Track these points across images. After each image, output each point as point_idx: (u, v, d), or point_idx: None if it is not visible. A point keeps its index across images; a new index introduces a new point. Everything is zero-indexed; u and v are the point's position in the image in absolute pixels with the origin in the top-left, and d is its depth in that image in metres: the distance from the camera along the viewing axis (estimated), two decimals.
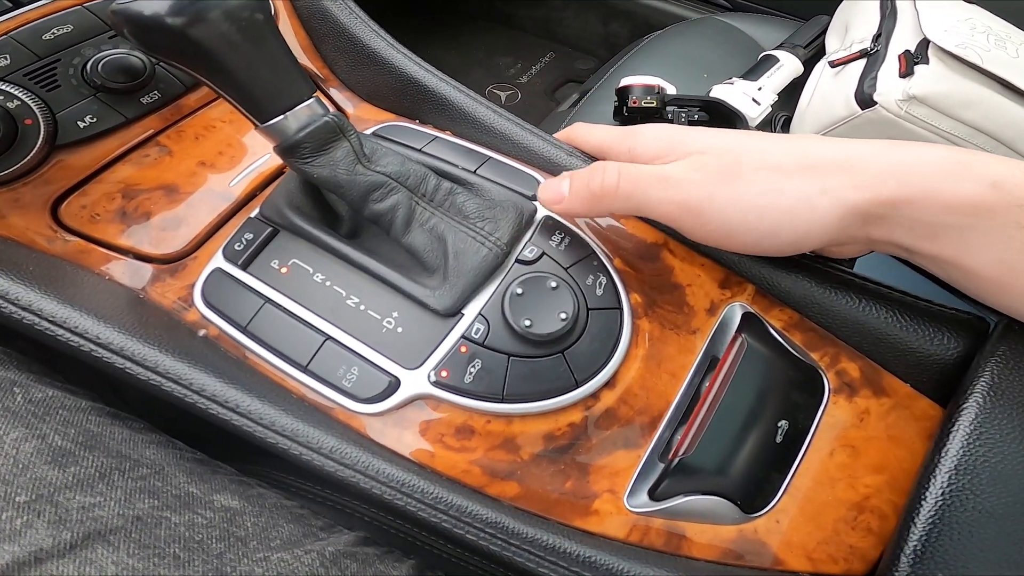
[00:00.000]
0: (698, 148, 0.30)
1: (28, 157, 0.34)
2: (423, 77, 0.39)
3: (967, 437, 0.27)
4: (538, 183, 0.35)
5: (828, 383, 0.32)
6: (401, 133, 0.38)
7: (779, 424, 0.31)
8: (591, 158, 0.36)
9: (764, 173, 0.28)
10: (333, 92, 0.43)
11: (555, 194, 0.32)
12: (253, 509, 0.28)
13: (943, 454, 0.27)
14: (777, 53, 0.74)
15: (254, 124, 0.29)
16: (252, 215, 0.34)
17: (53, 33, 0.37)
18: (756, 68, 0.71)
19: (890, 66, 0.64)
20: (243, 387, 0.27)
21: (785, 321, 0.34)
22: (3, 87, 0.34)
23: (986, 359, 0.29)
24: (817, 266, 0.34)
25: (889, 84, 0.62)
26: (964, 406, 0.28)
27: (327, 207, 0.33)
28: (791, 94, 0.73)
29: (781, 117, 0.70)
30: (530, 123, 0.38)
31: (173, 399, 0.27)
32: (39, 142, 0.34)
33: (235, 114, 0.40)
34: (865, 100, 0.63)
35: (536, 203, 0.34)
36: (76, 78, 0.37)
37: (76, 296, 0.28)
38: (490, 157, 0.36)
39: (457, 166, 0.35)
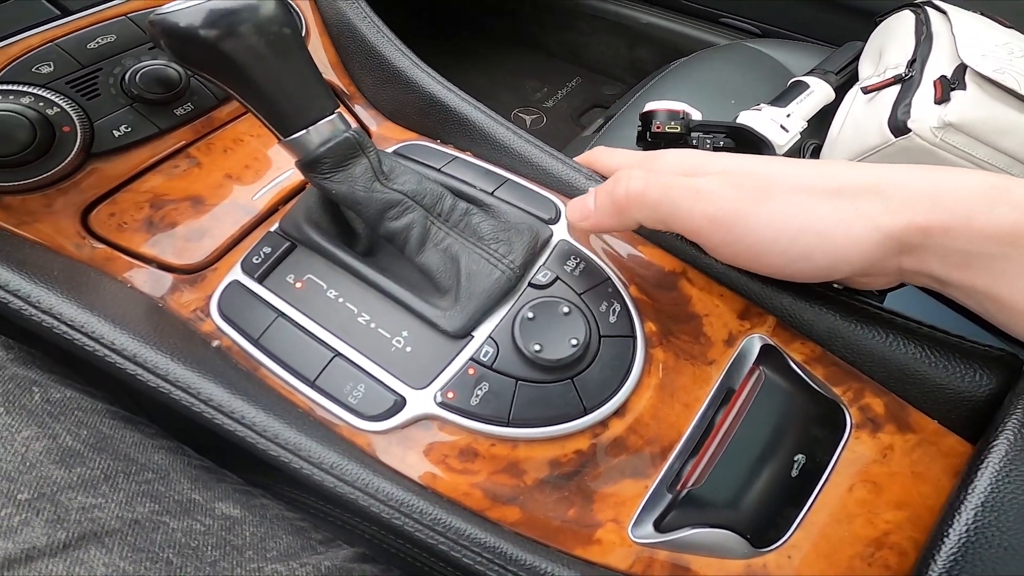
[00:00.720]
0: (723, 170, 0.29)
1: (63, 164, 0.35)
2: (445, 96, 0.40)
3: (996, 474, 0.26)
4: (555, 206, 0.35)
5: (850, 418, 0.31)
6: (421, 152, 0.38)
7: (795, 458, 0.29)
8: None
9: (797, 195, 0.27)
10: (358, 109, 0.44)
11: (582, 210, 0.31)
12: (253, 519, 0.28)
13: (970, 490, 0.26)
14: (807, 79, 0.73)
15: (278, 138, 0.30)
16: (272, 229, 0.34)
17: (97, 42, 0.38)
18: (785, 94, 0.70)
19: (925, 92, 0.62)
20: (250, 399, 0.27)
21: (807, 354, 0.33)
22: (44, 94, 0.35)
23: (1018, 396, 0.28)
24: (842, 299, 0.33)
25: (924, 110, 0.61)
26: (994, 443, 0.27)
27: (345, 224, 0.34)
28: (822, 121, 0.72)
29: (811, 145, 0.69)
30: (554, 147, 0.38)
31: (181, 407, 0.27)
32: (75, 150, 0.35)
33: (262, 128, 0.40)
34: (899, 127, 0.62)
35: (552, 227, 0.34)
36: (115, 87, 0.38)
37: (96, 302, 0.29)
38: (508, 179, 0.36)
39: (475, 187, 0.35)
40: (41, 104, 0.35)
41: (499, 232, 0.31)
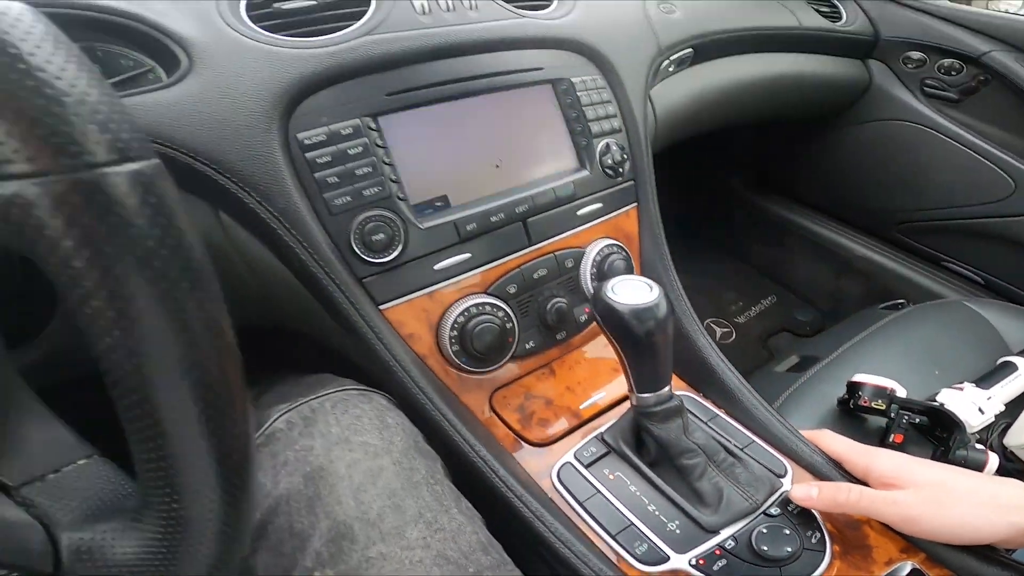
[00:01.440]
0: (923, 483, 0.45)
1: (500, 363, 0.55)
2: (717, 366, 0.60)
3: None
4: (784, 466, 0.53)
5: None
6: (694, 405, 0.59)
7: None
8: (829, 459, 0.52)
9: (968, 507, 0.43)
10: None
11: (806, 496, 0.48)
12: None
13: None
14: (1017, 360, 0.76)
15: (631, 389, 0.48)
16: (596, 434, 0.55)
17: (537, 272, 0.54)
18: (991, 375, 0.74)
19: None
20: (574, 535, 0.47)
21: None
22: (508, 311, 0.53)
23: None
24: (981, 549, 0.46)
25: None
26: None
27: (643, 442, 0.53)
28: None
29: (1001, 424, 0.72)
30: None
31: (537, 532, 0.47)
32: (509, 355, 0.55)
33: (594, 353, 0.62)
34: None
35: (781, 480, 0.52)
36: (535, 311, 0.55)
37: (498, 459, 0.51)
38: (753, 441, 0.56)
39: (731, 441, 0.55)
40: (505, 318, 0.53)
41: (752, 480, 0.50)
